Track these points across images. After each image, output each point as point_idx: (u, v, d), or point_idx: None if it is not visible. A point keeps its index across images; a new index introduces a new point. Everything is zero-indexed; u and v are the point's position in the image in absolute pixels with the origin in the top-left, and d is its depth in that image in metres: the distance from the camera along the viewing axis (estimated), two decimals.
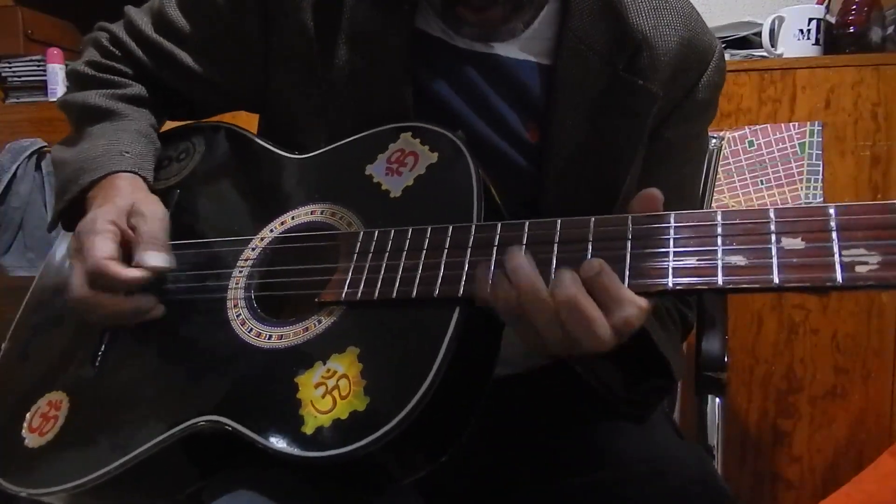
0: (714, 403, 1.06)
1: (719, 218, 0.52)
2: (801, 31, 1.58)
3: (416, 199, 0.67)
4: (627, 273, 0.53)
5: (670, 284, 0.51)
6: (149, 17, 0.83)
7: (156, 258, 0.68)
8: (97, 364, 0.72)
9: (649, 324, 0.61)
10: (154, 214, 0.70)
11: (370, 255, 0.64)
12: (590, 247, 0.55)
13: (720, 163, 1.35)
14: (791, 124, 1.52)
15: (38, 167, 1.85)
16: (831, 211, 0.49)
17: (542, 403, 0.79)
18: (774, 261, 0.49)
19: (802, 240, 0.49)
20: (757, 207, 0.53)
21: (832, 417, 1.53)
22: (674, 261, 0.52)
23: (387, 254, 0.63)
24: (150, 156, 0.79)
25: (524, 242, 0.58)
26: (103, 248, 0.67)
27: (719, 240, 0.51)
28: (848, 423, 1.52)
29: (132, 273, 0.67)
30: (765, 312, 1.55)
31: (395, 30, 0.73)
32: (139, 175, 0.76)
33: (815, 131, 1.51)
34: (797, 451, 1.55)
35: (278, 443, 0.57)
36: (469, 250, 0.60)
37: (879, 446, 1.43)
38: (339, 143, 0.75)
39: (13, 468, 0.69)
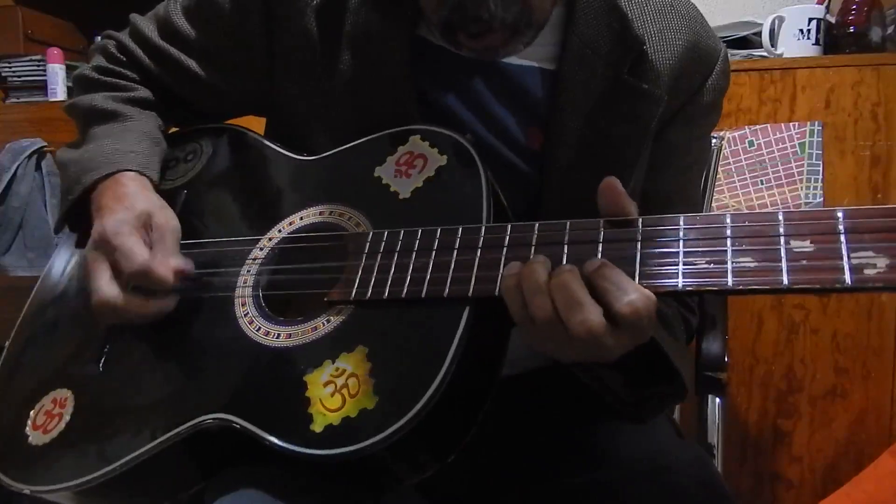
0: (714, 403, 1.06)
1: (728, 220, 0.52)
2: (801, 30, 1.58)
3: (424, 201, 0.67)
4: (637, 274, 0.53)
5: (680, 285, 0.52)
6: (154, 25, 0.83)
7: (176, 261, 0.69)
8: (101, 361, 0.72)
9: (658, 333, 0.61)
10: (174, 230, 0.71)
11: (379, 254, 0.64)
12: (600, 247, 0.56)
13: (720, 163, 1.35)
14: (791, 124, 1.52)
15: (38, 167, 1.85)
16: (839, 214, 0.49)
17: (542, 403, 0.79)
18: (783, 263, 0.49)
19: (811, 242, 0.49)
20: (765, 210, 0.54)
21: (832, 417, 1.53)
22: (683, 262, 0.52)
23: (396, 254, 0.63)
24: (156, 156, 0.80)
25: (534, 243, 0.58)
26: (140, 249, 0.68)
27: (728, 242, 0.51)
28: (848, 423, 1.52)
29: (171, 275, 0.68)
30: (765, 312, 1.55)
31: (395, 36, 0.73)
32: (145, 175, 0.76)
33: (815, 131, 1.51)
34: (797, 451, 1.55)
35: (287, 441, 0.57)
36: (479, 251, 0.60)
37: (879, 446, 1.43)
38: (347, 146, 0.75)
39: (17, 466, 0.69)
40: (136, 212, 0.71)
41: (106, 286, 0.68)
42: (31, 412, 0.71)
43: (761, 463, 1.57)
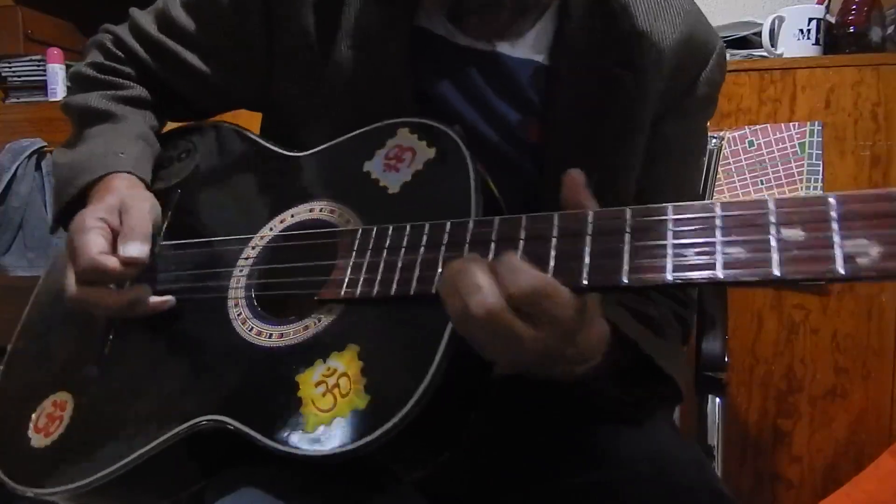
0: (714, 403, 1.06)
1: (718, 210, 0.51)
2: (801, 30, 1.58)
3: (414, 195, 0.67)
4: (626, 268, 0.52)
5: (670, 278, 0.50)
6: (153, 19, 0.84)
7: (132, 248, 0.67)
8: (101, 365, 0.72)
9: (648, 340, 0.61)
10: (140, 209, 0.70)
11: (368, 252, 0.63)
12: (588, 240, 0.54)
13: (720, 163, 1.35)
14: (791, 124, 1.52)
15: (38, 167, 1.85)
16: (831, 201, 0.47)
17: (542, 403, 0.79)
18: (775, 252, 0.47)
19: (802, 231, 0.47)
20: (755, 199, 0.52)
21: (832, 417, 1.53)
22: (673, 254, 0.51)
23: (385, 251, 0.62)
24: (148, 157, 0.80)
25: (521, 237, 0.58)
26: (93, 243, 0.66)
27: (718, 232, 0.50)
28: (848, 423, 1.52)
29: (119, 265, 0.66)
30: (765, 312, 1.55)
31: (394, 28, 0.73)
32: (136, 176, 0.76)
33: (815, 131, 1.51)
34: (797, 451, 1.55)
35: (280, 441, 0.57)
36: (466, 246, 0.59)
37: (879, 446, 1.43)
38: (336, 141, 0.74)
39: (19, 468, 0.69)
40: (108, 202, 0.70)
41: (70, 281, 0.68)
42: (33, 415, 0.72)
43: (761, 463, 1.57)
